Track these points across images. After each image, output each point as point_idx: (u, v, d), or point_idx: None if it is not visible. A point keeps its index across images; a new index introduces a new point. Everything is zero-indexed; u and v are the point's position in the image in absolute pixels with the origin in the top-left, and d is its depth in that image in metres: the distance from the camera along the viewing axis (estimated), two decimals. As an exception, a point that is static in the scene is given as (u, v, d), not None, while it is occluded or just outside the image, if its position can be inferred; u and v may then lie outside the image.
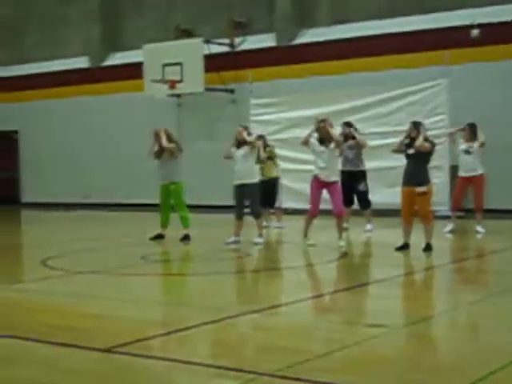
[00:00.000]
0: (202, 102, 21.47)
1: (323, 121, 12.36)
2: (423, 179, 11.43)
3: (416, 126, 11.60)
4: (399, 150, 11.76)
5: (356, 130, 14.78)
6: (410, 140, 11.54)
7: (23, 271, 11.50)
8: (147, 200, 20.80)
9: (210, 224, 17.21)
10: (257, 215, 13.05)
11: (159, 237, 13.69)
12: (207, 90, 20.70)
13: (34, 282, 9.80)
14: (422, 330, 6.66)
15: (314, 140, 12.27)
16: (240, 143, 12.90)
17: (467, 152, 14.06)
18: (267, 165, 15.35)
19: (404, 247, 11.53)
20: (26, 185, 26.11)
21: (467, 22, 17.75)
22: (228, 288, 9.38)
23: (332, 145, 12.19)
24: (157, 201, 14.04)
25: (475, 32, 17.65)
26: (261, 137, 15.59)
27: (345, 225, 13.72)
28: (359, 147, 14.60)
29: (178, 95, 21.78)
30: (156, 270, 11.10)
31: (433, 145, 11.57)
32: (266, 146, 15.46)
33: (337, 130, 13.09)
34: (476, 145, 14.08)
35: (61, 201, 24.23)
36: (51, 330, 6.74)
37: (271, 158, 15.49)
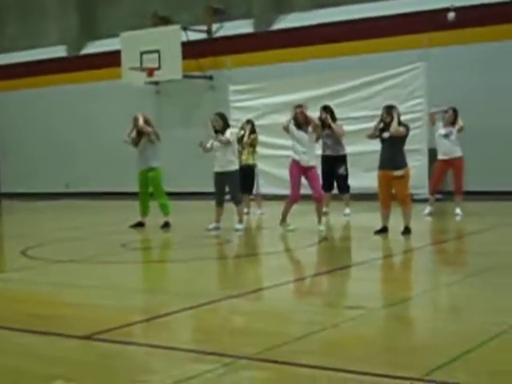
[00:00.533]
0: (180, 89, 21.45)
1: (300, 106, 12.36)
2: (400, 163, 11.43)
3: (389, 110, 11.55)
4: (373, 135, 11.74)
5: (333, 114, 14.71)
6: (384, 124, 11.50)
7: (3, 261, 11.47)
8: (129, 188, 20.71)
9: (189, 211, 17.24)
10: (237, 202, 13.05)
11: (139, 225, 13.69)
12: (185, 77, 20.68)
13: (14, 272, 9.79)
14: (401, 311, 6.72)
15: (292, 125, 12.28)
16: (217, 131, 12.84)
17: (446, 136, 14.11)
18: (247, 151, 15.34)
19: (382, 231, 11.56)
20: (6, 175, 25.97)
21: (445, 5, 17.80)
22: (208, 274, 9.39)
23: (310, 129, 12.21)
24: (138, 189, 14.01)
25: (452, 15, 17.70)
26: (249, 121, 15.70)
27: (324, 209, 13.80)
28: (336, 135, 14.59)
29: (156, 83, 21.76)
30: (136, 257, 11.10)
31: (407, 128, 11.57)
32: (252, 131, 15.53)
33: (314, 115, 13.07)
34: (455, 129, 14.13)
35: (42, 191, 24.16)
36: (31, 318, 6.74)
37: (253, 145, 15.48)
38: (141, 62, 20.89)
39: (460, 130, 14.17)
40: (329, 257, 10.57)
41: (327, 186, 14.57)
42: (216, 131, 12.85)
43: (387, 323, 6.26)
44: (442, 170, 14.38)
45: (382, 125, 11.55)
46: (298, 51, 19.75)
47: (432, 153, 16.88)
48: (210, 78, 21.18)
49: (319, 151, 14.43)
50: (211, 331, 6.17)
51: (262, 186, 16.58)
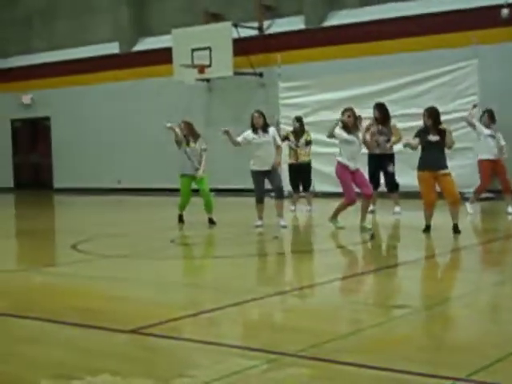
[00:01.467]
0: (231, 86, 21.51)
1: (348, 109, 12.15)
2: (446, 163, 11.31)
3: (431, 113, 11.36)
4: (415, 146, 11.42)
5: (387, 113, 14.59)
6: (426, 127, 11.33)
7: (54, 255, 11.65)
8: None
9: (238, 208, 17.26)
10: (281, 196, 13.04)
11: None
12: (236, 74, 20.73)
13: (65, 266, 9.94)
14: (446, 310, 6.67)
15: (339, 130, 12.02)
16: (257, 129, 12.74)
17: (492, 136, 13.91)
18: (303, 149, 15.53)
19: (428, 229, 11.41)
20: (58, 170, 26.33)
21: (498, 2, 17.57)
22: (254, 270, 9.44)
23: (360, 133, 12.15)
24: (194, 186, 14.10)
25: (506, 12, 17.47)
26: (298, 119, 15.80)
27: (371, 207, 13.79)
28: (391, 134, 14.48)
29: (208, 80, 21.83)
30: (184, 253, 11.19)
31: (449, 131, 11.38)
32: (302, 129, 15.69)
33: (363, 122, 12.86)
34: (494, 129, 14.04)
35: (92, 186, 24.45)
36: (77, 312, 6.84)
37: (308, 141, 15.65)
38: (192, 59, 20.99)
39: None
40: (375, 255, 10.51)
41: (374, 185, 14.46)
42: (255, 129, 12.75)
43: (432, 323, 6.22)
44: (489, 170, 14.08)
45: (423, 128, 11.37)
46: (348, 48, 19.67)
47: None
48: (261, 75, 21.20)
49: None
50: (256, 327, 6.20)
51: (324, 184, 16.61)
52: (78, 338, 5.96)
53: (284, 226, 12.77)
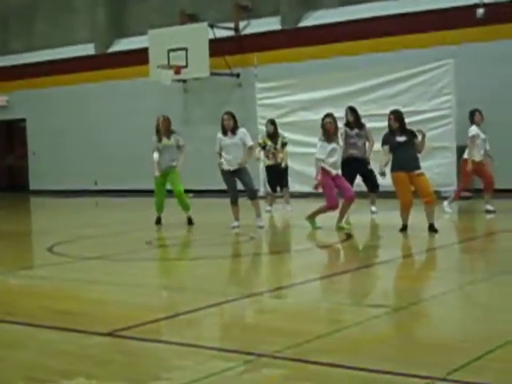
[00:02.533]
0: (207, 87, 21.47)
1: (328, 116, 12.09)
2: (419, 163, 11.34)
3: (397, 116, 11.50)
4: (386, 162, 11.51)
5: (358, 116, 14.55)
6: (393, 130, 11.43)
7: (30, 258, 11.55)
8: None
9: (215, 209, 17.22)
10: (254, 196, 12.87)
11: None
12: (213, 74, 20.70)
13: (41, 268, 9.88)
14: (423, 309, 6.67)
15: (319, 146, 11.96)
16: (227, 131, 12.62)
17: (484, 140, 13.97)
18: (280, 151, 15.58)
19: (405, 228, 11.41)
20: (35, 172, 26.17)
21: (473, 2, 17.66)
22: (231, 271, 9.41)
23: (340, 140, 12.22)
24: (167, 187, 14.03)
25: (481, 11, 17.56)
26: (273, 122, 15.81)
27: (373, 208, 14.39)
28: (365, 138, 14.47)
29: (184, 80, 21.78)
30: (161, 254, 11.12)
31: (415, 134, 11.43)
32: (276, 132, 15.70)
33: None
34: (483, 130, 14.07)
35: (71, 188, 24.32)
36: (55, 315, 6.78)
37: (284, 143, 15.67)
38: (168, 60, 20.94)
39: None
40: (353, 255, 10.51)
41: (370, 187, 14.55)
42: (224, 131, 12.64)
43: (409, 322, 6.20)
44: (474, 171, 14.00)
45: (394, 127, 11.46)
46: (325, 48, 19.69)
47: (461, 150, 16.76)
48: (237, 75, 21.18)
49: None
50: (233, 329, 6.18)
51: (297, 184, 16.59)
52: (54, 340, 5.90)
53: (261, 227, 12.73)
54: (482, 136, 13.92)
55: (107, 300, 7.52)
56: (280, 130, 16.00)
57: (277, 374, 4.83)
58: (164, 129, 13.63)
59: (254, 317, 6.63)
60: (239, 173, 12.62)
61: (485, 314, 6.39)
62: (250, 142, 12.66)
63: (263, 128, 17.56)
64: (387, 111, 16.71)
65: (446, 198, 14.64)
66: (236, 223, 12.80)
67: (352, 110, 14.52)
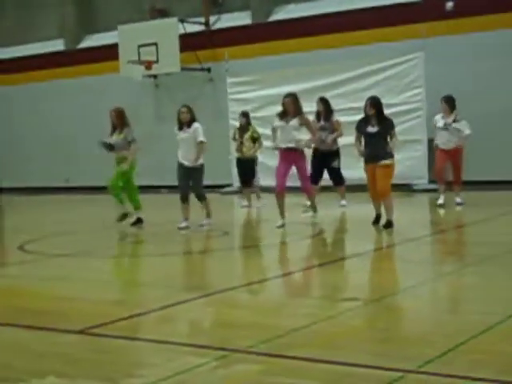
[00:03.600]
0: (178, 82, 21.36)
1: (287, 95, 11.91)
2: (386, 154, 11.05)
3: (374, 103, 11.24)
4: (358, 139, 11.48)
5: (329, 106, 14.53)
6: (367, 116, 11.26)
7: (0, 256, 11.42)
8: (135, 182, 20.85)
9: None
10: (200, 197, 12.45)
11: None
12: (184, 69, 20.62)
13: (11, 266, 9.80)
14: (395, 302, 6.69)
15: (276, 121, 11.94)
16: (183, 125, 12.25)
17: (445, 128, 13.88)
18: (248, 143, 15.43)
19: (377, 219, 11.39)
20: (4, 170, 25.89)
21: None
22: (202, 267, 9.37)
23: (294, 121, 11.71)
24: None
25: (450, 4, 17.63)
26: (244, 114, 15.72)
27: (343, 202, 14.52)
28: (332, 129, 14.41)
29: (155, 76, 21.68)
30: (133, 251, 11.05)
31: (391, 123, 11.28)
32: (248, 124, 15.62)
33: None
34: (451, 119, 13.90)
35: (42, 185, 24.12)
36: (25, 313, 6.72)
37: (255, 138, 15.51)
38: (139, 55, 20.82)
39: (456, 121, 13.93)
40: (324, 249, 10.51)
41: (315, 180, 14.32)
42: (181, 125, 12.26)
43: (382, 315, 6.21)
44: (443, 159, 14.03)
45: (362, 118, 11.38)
46: (295, 42, 19.67)
47: (432, 143, 16.83)
48: (208, 70, 21.11)
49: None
50: (205, 324, 6.17)
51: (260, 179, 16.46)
52: (25, 339, 5.85)
53: (201, 225, 12.22)
54: (440, 124, 13.89)
55: (79, 297, 7.46)
56: (254, 124, 15.99)
57: (251, 369, 4.81)
58: (117, 121, 12.93)
59: (227, 312, 6.59)
60: (190, 171, 12.18)
61: (455, 305, 6.44)
62: (200, 138, 12.11)
63: (234, 123, 17.54)
64: (358, 105, 16.89)
65: (416, 191, 14.70)
66: (184, 223, 12.21)
67: (322, 101, 14.54)
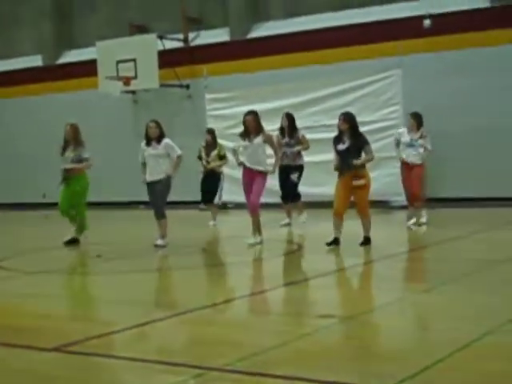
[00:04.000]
0: (157, 98, 21.37)
1: (249, 113, 11.83)
2: (360, 171, 10.78)
3: (347, 118, 10.99)
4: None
5: (293, 122, 14.36)
6: (339, 134, 11.02)
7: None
8: (106, 198, 20.87)
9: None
10: (160, 215, 12.22)
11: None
12: (162, 86, 20.63)
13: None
14: (372, 319, 6.69)
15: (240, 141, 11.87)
16: (151, 140, 12.08)
17: (410, 144, 13.43)
18: (212, 158, 15.11)
19: (334, 242, 10.93)
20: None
21: (420, 13, 17.85)
22: (177, 284, 9.33)
23: (258, 139, 11.60)
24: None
25: (428, 22, 17.75)
26: (210, 131, 15.39)
27: (287, 221, 14.31)
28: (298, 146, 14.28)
29: (134, 92, 21.67)
30: (109, 268, 10.92)
31: (364, 140, 10.95)
32: (214, 142, 15.22)
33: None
34: (417, 136, 13.48)
35: (16, 201, 23.98)
36: (0, 330, 6.66)
37: (222, 157, 15.12)
38: (117, 71, 20.81)
39: (422, 137, 13.50)
40: (298, 266, 10.46)
41: (286, 197, 14.37)
42: (149, 140, 12.09)
43: (359, 332, 6.21)
44: (405, 174, 13.53)
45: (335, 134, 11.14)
46: (274, 59, 19.72)
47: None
48: (187, 86, 21.13)
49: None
50: (181, 342, 6.13)
51: (235, 194, 16.27)
52: (1, 357, 5.80)
53: (156, 245, 12.01)
54: (405, 139, 13.44)
55: (54, 314, 7.42)
56: (222, 142, 15.61)
57: (227, 387, 4.80)
58: (71, 138, 12.70)
59: (202, 329, 6.56)
60: (155, 185, 12.02)
61: (432, 323, 6.43)
62: (177, 152, 11.98)
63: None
64: (336, 122, 16.96)
65: (394, 208, 14.71)
66: (160, 241, 12.11)
67: (287, 116, 14.37)
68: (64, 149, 12.76)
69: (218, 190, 15.28)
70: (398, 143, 13.61)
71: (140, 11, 22.39)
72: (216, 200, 15.34)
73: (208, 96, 19.82)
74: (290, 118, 14.36)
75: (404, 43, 17.45)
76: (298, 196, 14.51)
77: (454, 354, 5.25)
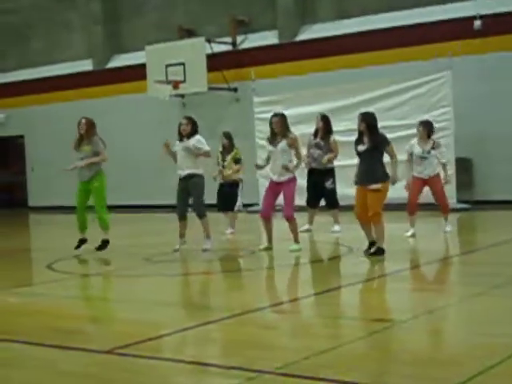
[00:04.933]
0: (205, 102, 21.46)
1: (275, 115, 11.61)
2: (378, 176, 10.28)
3: (365, 117, 10.48)
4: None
5: (329, 125, 13.81)
6: (359, 135, 10.48)
7: (29, 275, 11.45)
8: (158, 201, 21.03)
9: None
10: (199, 212, 12.00)
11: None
12: (210, 89, 20.71)
13: (40, 286, 9.82)
14: (424, 323, 6.61)
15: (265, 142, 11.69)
16: (183, 137, 11.92)
17: (423, 157, 12.63)
18: (229, 166, 14.39)
19: (371, 247, 10.57)
20: (33, 189, 26.13)
21: (471, 14, 17.67)
22: (230, 287, 9.34)
23: (283, 143, 11.29)
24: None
25: (478, 23, 17.57)
26: (227, 136, 14.67)
27: (307, 226, 13.68)
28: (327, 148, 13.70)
29: (182, 95, 21.78)
30: (158, 270, 10.97)
31: (384, 140, 10.42)
32: (231, 145, 14.56)
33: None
34: (429, 147, 12.66)
35: (68, 204, 24.21)
36: (54, 332, 6.73)
37: (236, 159, 14.42)
38: (166, 75, 20.94)
39: (436, 147, 12.76)
40: (342, 271, 10.31)
41: (312, 202, 13.93)
42: (181, 137, 11.94)
43: (411, 336, 6.13)
44: (418, 188, 12.74)
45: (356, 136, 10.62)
46: (322, 62, 19.70)
47: (460, 162, 16.76)
48: (235, 90, 21.18)
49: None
50: (235, 345, 6.11)
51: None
52: (53, 359, 5.86)
53: (204, 250, 11.87)
54: (417, 152, 12.65)
55: (107, 317, 7.48)
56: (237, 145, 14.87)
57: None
58: (86, 132, 12.49)
59: (255, 333, 6.56)
60: (188, 183, 11.90)
61: (485, 328, 6.32)
62: (205, 148, 11.81)
63: (261, 142, 17.50)
64: (386, 124, 16.84)
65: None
66: (177, 246, 12.06)
67: (323, 118, 13.86)
68: (79, 144, 12.65)
69: (238, 197, 14.43)
70: (411, 156, 12.78)
71: (188, 15, 22.51)
72: (236, 207, 14.51)
73: (256, 99, 19.82)
74: (324, 120, 13.83)
75: (454, 44, 17.28)
76: (336, 203, 13.86)
77: (508, 360, 5.17)
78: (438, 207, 12.99)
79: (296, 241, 11.50)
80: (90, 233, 12.63)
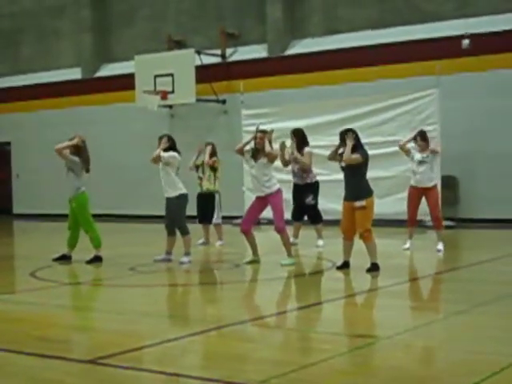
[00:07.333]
0: (194, 113, 21.49)
1: (263, 131, 11.65)
2: (361, 192, 10.32)
3: (343, 135, 10.50)
4: (332, 156, 10.78)
5: (303, 139, 13.64)
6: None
7: (12, 282, 11.38)
8: (146, 211, 21.01)
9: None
10: (182, 231, 12.10)
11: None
12: (199, 100, 20.72)
13: (23, 294, 9.76)
14: (408, 340, 6.62)
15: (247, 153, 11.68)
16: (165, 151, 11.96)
17: (423, 162, 12.68)
18: (207, 176, 14.32)
19: (344, 266, 10.65)
20: (18, 196, 26.03)
21: (459, 33, 17.78)
22: (214, 299, 9.33)
23: (264, 159, 11.37)
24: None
25: (466, 42, 17.67)
26: (209, 143, 14.51)
27: (292, 240, 13.23)
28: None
29: (170, 106, 21.79)
30: (143, 281, 10.95)
31: (362, 155, 10.42)
32: (213, 154, 14.34)
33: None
34: (428, 152, 12.76)
35: (54, 212, 24.16)
36: (36, 341, 6.70)
37: (215, 168, 14.32)
38: (155, 86, 20.94)
39: (433, 153, 12.81)
40: (328, 285, 10.22)
41: (296, 215, 13.83)
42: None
43: (394, 353, 6.14)
44: (415, 199, 12.86)
45: (341, 150, 10.56)
46: (311, 76, 19.76)
47: (445, 180, 16.82)
48: (224, 102, 21.21)
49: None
50: (217, 357, 6.11)
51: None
52: (35, 367, 5.83)
53: (181, 263, 11.86)
54: (417, 157, 12.71)
55: (90, 326, 7.45)
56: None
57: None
58: (77, 151, 12.68)
59: (239, 346, 6.55)
60: (169, 204, 12.06)
61: (467, 345, 6.33)
62: (166, 157, 11.85)
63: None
64: (373, 140, 16.92)
65: (428, 227, 14.54)
66: (159, 257, 12.16)
67: (294, 133, 13.77)
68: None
69: (216, 209, 14.37)
70: (412, 157, 12.88)
71: (178, 26, 22.55)
72: (214, 220, 14.43)
73: (244, 112, 19.83)
74: (296, 135, 13.69)
75: (442, 63, 17.37)
76: (318, 218, 13.81)
77: (491, 377, 5.19)
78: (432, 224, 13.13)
79: (289, 255, 11.47)
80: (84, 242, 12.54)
